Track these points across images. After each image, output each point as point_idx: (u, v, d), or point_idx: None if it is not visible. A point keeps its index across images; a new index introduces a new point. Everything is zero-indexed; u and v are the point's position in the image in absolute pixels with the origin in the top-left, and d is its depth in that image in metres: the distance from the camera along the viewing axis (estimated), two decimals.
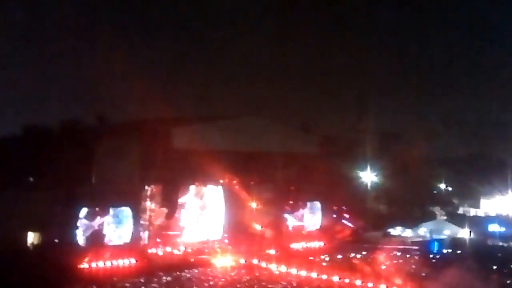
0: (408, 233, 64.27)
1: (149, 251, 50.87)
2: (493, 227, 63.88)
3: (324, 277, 43.87)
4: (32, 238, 47.59)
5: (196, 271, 46.82)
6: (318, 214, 61.22)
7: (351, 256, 52.59)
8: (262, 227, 57.23)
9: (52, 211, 46.93)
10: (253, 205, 57.00)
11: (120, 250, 47.89)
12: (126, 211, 49.45)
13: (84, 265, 44.70)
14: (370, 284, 41.64)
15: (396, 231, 64.45)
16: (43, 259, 42.55)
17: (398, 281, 41.72)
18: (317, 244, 58.47)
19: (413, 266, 48.38)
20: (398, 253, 53.37)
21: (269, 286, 42.16)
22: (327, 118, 72.89)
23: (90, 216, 47.78)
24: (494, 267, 46.37)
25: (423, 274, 44.69)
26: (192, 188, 55.27)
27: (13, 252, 43.82)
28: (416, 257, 52.11)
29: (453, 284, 39.10)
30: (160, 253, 51.51)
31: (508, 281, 42.38)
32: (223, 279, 44.52)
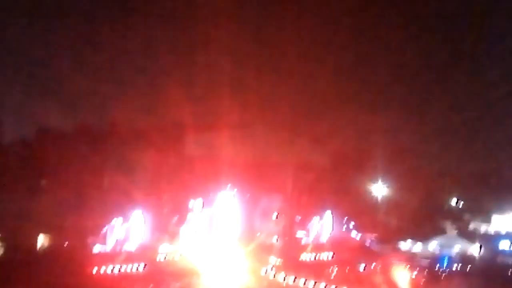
0: (418, 247, 63.95)
1: (160, 257, 50.98)
2: (504, 245, 63.52)
3: None
4: (42, 241, 47.77)
5: (205, 278, 46.86)
6: (328, 226, 61.12)
7: (360, 269, 52.44)
8: (271, 237, 57.17)
9: (63, 215, 47.13)
10: (263, 215, 56.97)
11: (131, 256, 48.09)
12: (137, 217, 49.64)
13: (93, 270, 44.87)
14: None
15: (406, 244, 64.17)
16: (53, 262, 42.69)
17: None
18: (326, 255, 58.37)
19: (422, 280, 48.24)
20: (408, 267, 53.12)
21: None
22: (338, 130, 72.57)
23: (101, 221, 48.01)
24: (503, 285, 46.06)
25: None
26: (203, 196, 55.28)
27: (23, 255, 44.00)
28: (425, 271, 51.91)
29: None
30: (171, 259, 51.60)
31: None
32: None
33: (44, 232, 47.49)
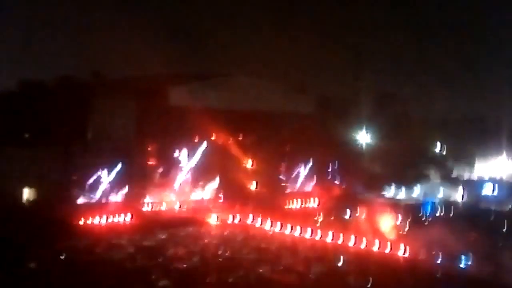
0: (401, 194, 64.50)
1: (145, 208, 51.29)
2: (486, 191, 64.18)
3: (317, 237, 44.19)
4: (27, 194, 47.73)
5: (190, 229, 47.12)
6: (313, 174, 61.56)
7: (344, 217, 52.78)
8: (256, 186, 57.48)
9: (47, 168, 47.09)
10: (248, 164, 57.22)
11: (116, 207, 48.37)
12: (122, 168, 49.67)
13: (79, 221, 45.11)
14: (362, 244, 42.02)
15: (390, 192, 64.71)
16: (39, 214, 42.73)
17: (390, 241, 42.07)
18: (311, 204, 58.84)
19: (406, 227, 48.62)
20: (391, 214, 53.45)
21: (263, 245, 42.41)
22: (323, 78, 72.52)
23: (86, 173, 48.08)
24: (485, 230, 46.58)
25: (415, 235, 44.84)
26: (188, 146, 55.24)
27: (8, 208, 43.97)
28: (409, 218, 52.29)
29: (442, 244, 39.33)
30: (156, 210, 51.90)
31: (500, 245, 42.53)
32: (217, 237, 44.80)
33: (29, 185, 47.48)
